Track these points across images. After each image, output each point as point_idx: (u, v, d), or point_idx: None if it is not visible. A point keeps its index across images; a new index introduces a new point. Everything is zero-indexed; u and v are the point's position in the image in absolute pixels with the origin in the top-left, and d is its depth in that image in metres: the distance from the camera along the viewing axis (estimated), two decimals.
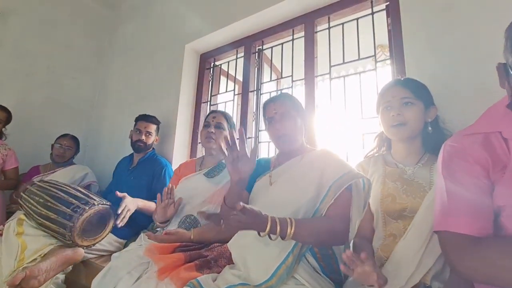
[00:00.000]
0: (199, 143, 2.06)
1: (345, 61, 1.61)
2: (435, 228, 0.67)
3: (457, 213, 0.62)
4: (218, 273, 0.95)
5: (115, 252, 1.49)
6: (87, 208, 1.28)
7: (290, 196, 0.89)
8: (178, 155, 2.05)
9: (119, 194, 1.42)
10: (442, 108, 0.98)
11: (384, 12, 1.49)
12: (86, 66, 2.83)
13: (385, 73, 1.63)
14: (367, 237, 0.92)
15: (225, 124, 1.38)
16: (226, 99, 2.13)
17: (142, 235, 1.23)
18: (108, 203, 1.38)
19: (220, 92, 2.22)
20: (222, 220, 0.70)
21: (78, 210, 1.26)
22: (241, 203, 0.71)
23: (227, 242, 1.06)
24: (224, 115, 1.41)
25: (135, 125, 1.89)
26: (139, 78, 2.49)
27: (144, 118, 1.89)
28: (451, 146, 0.69)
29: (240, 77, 2.05)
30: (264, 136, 1.87)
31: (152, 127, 1.89)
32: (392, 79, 1.03)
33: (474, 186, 0.62)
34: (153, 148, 1.94)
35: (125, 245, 1.51)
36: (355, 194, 0.89)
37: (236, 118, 2.06)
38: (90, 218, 1.30)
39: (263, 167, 1.12)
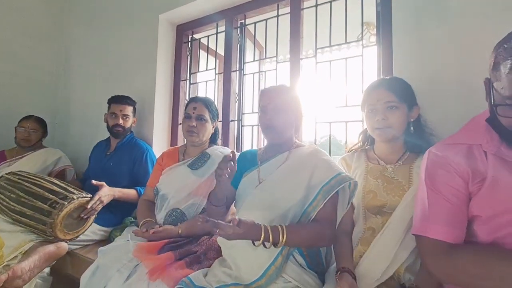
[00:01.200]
0: (180, 124, 1.98)
1: (332, 42, 1.56)
2: (414, 231, 0.72)
3: (436, 221, 0.68)
4: (209, 266, 0.99)
5: (100, 240, 1.50)
6: (66, 203, 1.23)
7: (278, 198, 0.91)
8: (158, 138, 1.97)
9: (95, 183, 1.37)
10: (424, 102, 1.00)
11: None
12: (43, 33, 2.48)
13: (371, 53, 1.59)
14: (347, 231, 0.98)
15: (207, 115, 1.32)
16: (207, 78, 2.01)
17: (127, 229, 1.22)
18: (89, 195, 1.34)
19: (200, 69, 2.08)
20: (216, 230, 0.71)
21: (57, 206, 1.21)
22: (237, 218, 0.72)
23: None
24: (206, 104, 1.33)
25: (109, 108, 1.75)
26: (107, 50, 2.24)
27: (118, 100, 1.74)
28: (435, 155, 0.72)
29: (221, 52, 1.91)
30: (248, 119, 1.83)
31: (128, 109, 1.76)
32: (377, 79, 1.02)
33: (453, 196, 0.68)
34: (131, 131, 1.84)
35: (111, 234, 1.51)
36: (341, 193, 0.94)
37: (217, 99, 1.97)
38: (71, 213, 1.26)
39: (249, 161, 1.11)
